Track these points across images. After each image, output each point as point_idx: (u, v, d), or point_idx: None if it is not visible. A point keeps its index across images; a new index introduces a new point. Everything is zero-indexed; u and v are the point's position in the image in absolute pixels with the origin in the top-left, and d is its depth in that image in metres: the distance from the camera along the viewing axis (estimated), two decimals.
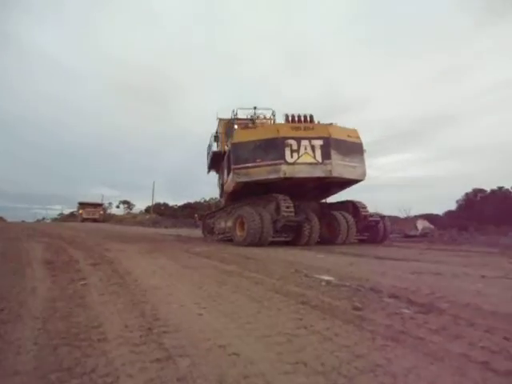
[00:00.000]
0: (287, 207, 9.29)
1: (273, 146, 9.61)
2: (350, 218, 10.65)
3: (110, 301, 3.23)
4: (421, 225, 13.75)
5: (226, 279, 4.19)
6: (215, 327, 2.49)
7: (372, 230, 11.43)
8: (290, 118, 10.00)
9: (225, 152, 11.77)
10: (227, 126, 12.56)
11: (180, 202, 61.75)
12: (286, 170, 9.39)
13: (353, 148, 10.44)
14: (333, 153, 9.84)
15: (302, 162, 9.61)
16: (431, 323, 2.55)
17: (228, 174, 10.56)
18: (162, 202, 62.02)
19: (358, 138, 10.68)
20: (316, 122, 10.24)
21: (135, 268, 4.96)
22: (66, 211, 61.15)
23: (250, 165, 9.61)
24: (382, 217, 11.63)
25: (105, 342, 2.23)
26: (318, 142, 9.82)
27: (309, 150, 9.70)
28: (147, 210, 57.09)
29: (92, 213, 42.94)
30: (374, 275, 4.62)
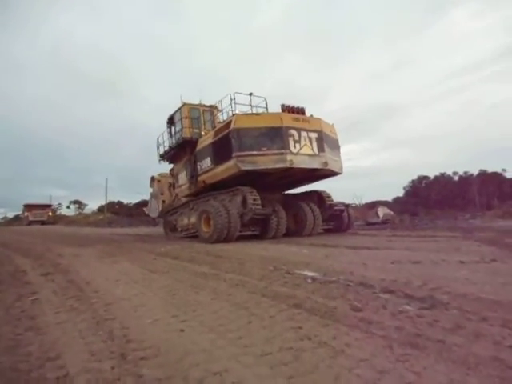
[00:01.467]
0: (254, 200, 8.95)
1: (277, 135, 9.15)
2: (315, 208, 10.53)
3: (69, 320, 2.72)
4: (381, 212, 14.01)
5: (201, 283, 3.77)
6: (203, 346, 2.10)
7: (337, 219, 11.41)
8: (286, 109, 9.55)
9: (195, 139, 11.12)
10: (194, 111, 11.88)
11: (135, 200, 59.46)
12: (292, 160, 9.01)
13: (334, 142, 10.46)
14: (325, 146, 9.79)
15: (304, 152, 9.34)
16: (442, 321, 2.32)
17: (218, 162, 9.74)
18: (115, 200, 59.43)
19: (336, 133, 10.72)
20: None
21: (95, 276, 4.39)
22: (10, 214, 56.58)
23: (255, 152, 9.05)
24: (346, 205, 11.65)
25: (67, 381, 1.76)
26: (313, 135, 9.65)
27: (307, 141, 9.48)
28: (100, 209, 54.35)
29: (39, 215, 39.91)
30: (356, 267, 4.41)
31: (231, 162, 9.12)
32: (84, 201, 62.18)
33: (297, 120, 9.45)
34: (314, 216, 10.40)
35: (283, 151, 8.99)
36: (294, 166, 8.98)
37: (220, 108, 11.50)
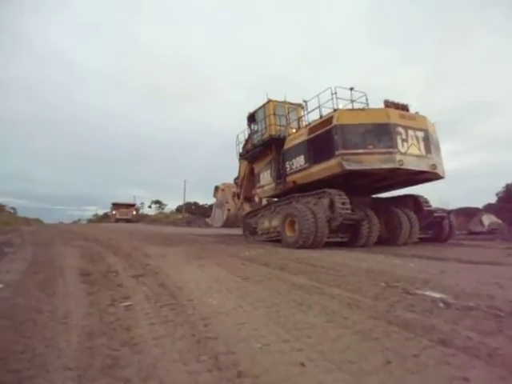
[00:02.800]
0: (343, 203, 8.21)
1: (384, 133, 8.40)
2: (412, 214, 9.43)
3: (166, 335, 2.35)
4: (487, 220, 12.17)
5: (304, 298, 3.22)
6: None
7: (436, 227, 10.12)
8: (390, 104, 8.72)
9: (282, 137, 10.62)
10: (279, 109, 11.38)
11: (210, 201, 61.44)
12: (402, 160, 8.21)
13: (437, 143, 9.35)
14: (431, 147, 8.83)
15: (411, 153, 8.49)
16: None
17: (315, 161, 9.05)
18: (192, 201, 61.96)
19: (437, 133, 9.58)
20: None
21: (185, 280, 4.09)
22: (100, 212, 62.06)
23: (361, 151, 8.36)
24: (448, 212, 10.30)
25: None
26: (420, 134, 8.75)
27: (414, 141, 8.61)
28: (178, 209, 57.09)
29: (125, 213, 43.01)
30: (491, 289, 3.53)
31: (333, 161, 8.44)
32: (163, 201, 65.86)
33: (403, 117, 8.52)
34: (411, 223, 9.31)
35: (391, 150, 8.13)
36: (403, 166, 8.06)
37: (304, 106, 10.96)
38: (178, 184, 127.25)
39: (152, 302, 3.19)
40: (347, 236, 8.97)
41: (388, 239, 9.33)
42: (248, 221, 12.31)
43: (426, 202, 9.96)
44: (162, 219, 41.15)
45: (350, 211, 8.20)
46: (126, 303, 3.13)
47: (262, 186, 11.79)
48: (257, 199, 14.58)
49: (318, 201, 8.79)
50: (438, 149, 9.14)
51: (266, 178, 11.48)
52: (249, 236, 12.14)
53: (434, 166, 8.62)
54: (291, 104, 11.58)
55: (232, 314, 2.77)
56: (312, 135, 9.15)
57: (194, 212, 53.60)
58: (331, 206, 8.39)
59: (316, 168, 8.98)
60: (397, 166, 8.02)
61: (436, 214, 9.77)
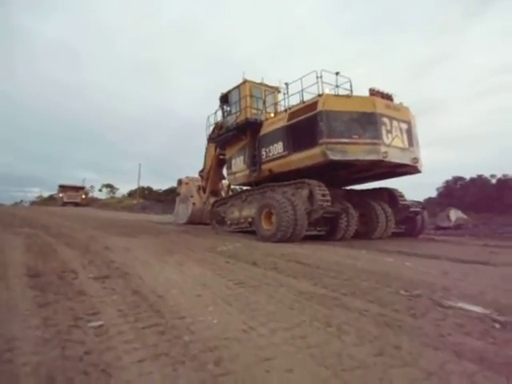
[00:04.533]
0: (323, 195, 7.69)
1: (370, 122, 7.86)
2: (387, 208, 9.18)
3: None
4: (454, 215, 12.36)
5: (326, 315, 2.58)
6: None
7: (409, 221, 9.98)
8: (375, 93, 8.11)
9: (259, 121, 9.84)
10: (255, 90, 10.53)
11: (164, 186, 59.52)
12: (386, 152, 7.75)
13: (417, 136, 8.94)
14: (413, 140, 8.51)
15: (395, 145, 8.06)
16: None
17: (295, 149, 8.39)
18: (145, 185, 59.63)
19: (416, 125, 9.22)
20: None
21: (166, 286, 3.31)
22: (45, 194, 57.74)
23: (346, 140, 7.77)
24: (423, 207, 10.20)
25: None
26: (404, 126, 8.37)
27: (398, 132, 8.19)
28: (131, 194, 54.67)
29: (74, 196, 40.13)
30: None
31: (317, 150, 7.82)
32: (115, 185, 62.92)
33: (388, 107, 8.11)
34: (387, 217, 9.06)
35: (376, 141, 7.69)
36: (386, 159, 7.65)
37: (281, 90, 10.31)
38: (131, 168, 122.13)
39: (130, 320, 2.41)
40: (324, 229, 8.53)
41: (363, 233, 9.02)
42: (216, 209, 11.51)
43: (401, 195, 9.76)
44: (114, 204, 39.00)
45: (330, 203, 7.73)
46: (96, 323, 2.32)
47: (234, 173, 10.97)
48: (223, 193, 13.80)
49: (296, 191, 8.22)
50: (418, 142, 8.88)
51: (238, 164, 10.67)
52: (216, 226, 11.37)
53: (415, 159, 8.37)
54: (268, 86, 10.82)
55: (245, 341, 2.08)
56: (293, 121, 8.50)
57: (148, 197, 51.78)
58: (310, 197, 7.86)
59: (296, 156, 8.37)
60: (381, 157, 7.64)
61: (412, 209, 9.61)
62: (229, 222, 10.63)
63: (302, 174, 8.41)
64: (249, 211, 9.61)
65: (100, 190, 61.90)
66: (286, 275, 3.89)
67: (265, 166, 9.38)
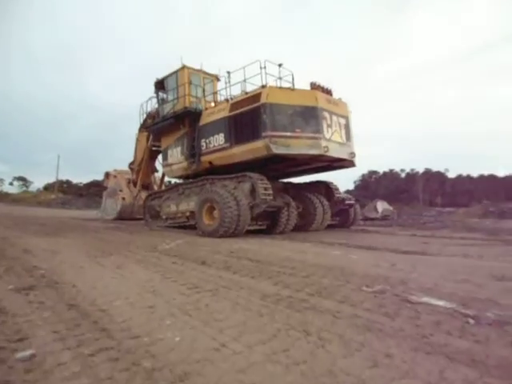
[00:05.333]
0: (265, 189, 7.55)
1: (312, 116, 7.75)
2: (325, 201, 9.38)
3: None
4: (381, 207, 13.12)
5: (300, 321, 2.36)
6: None
7: (343, 214, 10.32)
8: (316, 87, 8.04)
9: (199, 111, 9.31)
10: (194, 77, 9.91)
11: (84, 180, 55.63)
12: (326, 146, 7.68)
13: (352, 131, 9.07)
14: (351, 135, 8.64)
15: (335, 140, 8.07)
16: None
17: (237, 141, 8.05)
18: (64, 178, 55.10)
19: (351, 120, 9.35)
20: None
21: (108, 296, 2.84)
22: None
23: (289, 134, 7.54)
24: (356, 200, 10.61)
25: None
26: (342, 121, 8.47)
27: (337, 127, 8.22)
28: (47, 187, 50.05)
29: None
30: (474, 289, 3.23)
31: (260, 143, 7.58)
32: (29, 178, 57.21)
33: (329, 102, 8.18)
34: (324, 210, 9.25)
35: (318, 135, 7.69)
36: (327, 153, 7.69)
37: (220, 79, 9.93)
38: (47, 160, 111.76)
39: (71, 345, 1.94)
40: (265, 223, 8.42)
41: (301, 225, 9.11)
42: (150, 203, 10.79)
43: (337, 189, 10.05)
44: (28, 199, 35.21)
45: (272, 197, 7.62)
46: (25, 353, 1.83)
47: (170, 165, 10.34)
48: (155, 187, 13.02)
49: (238, 185, 7.96)
50: (353, 137, 9.16)
51: (175, 155, 10.06)
52: (149, 220, 10.67)
53: (352, 154, 8.61)
54: (207, 74, 10.31)
55: (220, 363, 1.76)
56: (235, 112, 8.17)
57: (67, 191, 48.05)
58: (252, 191, 7.67)
59: (238, 149, 8.09)
60: (322, 152, 7.70)
61: (347, 202, 9.93)
62: (164, 217, 10.04)
63: (242, 166, 8.18)
64: (187, 205, 9.14)
65: (11, 184, 56.03)
66: (242, 275, 3.62)
67: (204, 158, 8.96)
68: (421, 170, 73.54)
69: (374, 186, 74.12)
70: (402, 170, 78.98)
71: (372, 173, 78.26)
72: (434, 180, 71.59)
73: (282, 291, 3.03)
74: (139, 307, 2.60)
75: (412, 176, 77.83)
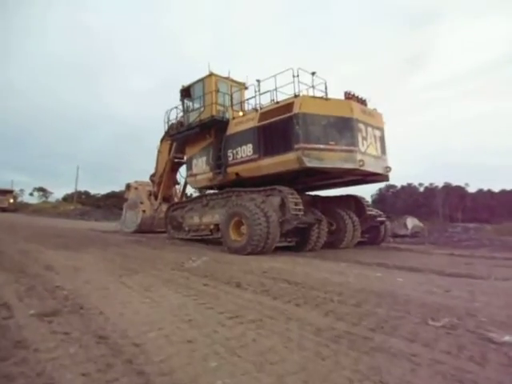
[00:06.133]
0: (296, 204, 7.17)
1: (347, 128, 7.36)
2: (355, 217, 8.90)
3: None
4: (411, 223, 12.52)
5: (375, 368, 1.95)
6: None
7: (373, 230, 9.80)
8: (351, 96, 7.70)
9: (226, 120, 8.98)
10: (222, 85, 9.61)
11: (102, 191, 56.38)
12: (362, 160, 7.27)
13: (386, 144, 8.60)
14: (385, 148, 8.21)
15: (370, 153, 7.66)
16: None
17: (266, 152, 7.67)
18: (82, 189, 55.94)
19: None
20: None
21: (139, 324, 2.50)
22: None
23: (322, 146, 7.15)
24: (388, 216, 10.10)
25: None
26: (377, 133, 8.04)
27: (373, 140, 7.82)
28: (66, 198, 50.83)
29: (0, 201, 36.22)
30: None
31: (291, 155, 7.21)
32: (49, 189, 58.33)
33: (364, 112, 7.79)
34: (354, 226, 8.77)
35: (353, 148, 7.29)
36: (362, 167, 7.29)
37: (248, 87, 9.69)
38: (66, 170, 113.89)
39: None
40: (294, 240, 7.99)
41: (330, 242, 8.63)
42: (172, 214, 10.51)
43: (369, 205, 9.58)
44: (48, 209, 35.68)
45: (303, 213, 7.23)
46: None
47: (195, 175, 10.02)
48: (176, 200, 12.77)
49: (267, 199, 7.59)
50: (387, 150, 8.74)
51: (200, 165, 9.74)
52: (171, 232, 10.40)
53: (388, 168, 8.19)
54: (235, 82, 10.02)
55: None
56: (264, 122, 7.84)
57: (85, 202, 48.69)
58: (282, 206, 7.30)
59: (267, 161, 7.74)
60: (357, 166, 7.29)
61: (378, 219, 9.43)
62: (187, 229, 9.74)
63: (270, 179, 7.86)
64: (211, 217, 8.83)
65: (31, 194, 57.19)
66: (285, 302, 3.22)
67: (231, 169, 8.62)
68: (440, 184, 71.86)
69: (391, 200, 72.75)
70: (421, 184, 77.41)
71: (389, 187, 76.91)
72: (453, 194, 69.79)
73: (336, 324, 2.63)
74: (177, 342, 2.24)
75: (431, 190, 76.19)
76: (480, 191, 74.23)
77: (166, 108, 11.00)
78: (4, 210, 34.73)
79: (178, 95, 10.46)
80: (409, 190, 79.80)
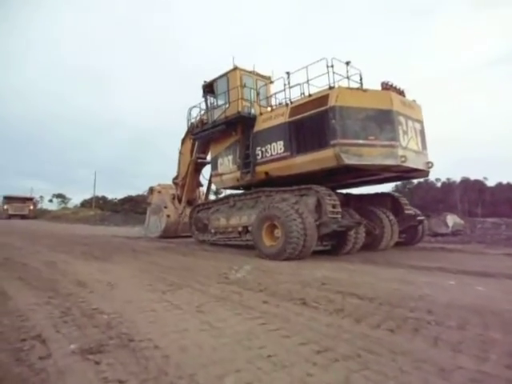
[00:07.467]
0: (334, 206, 6.59)
1: (386, 121, 6.75)
2: (392, 217, 8.27)
3: None
4: (451, 221, 11.71)
5: None
6: None
7: (411, 230, 9.13)
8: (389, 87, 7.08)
9: (253, 116, 8.49)
10: (247, 80, 9.09)
11: (118, 195, 56.72)
12: (404, 156, 6.70)
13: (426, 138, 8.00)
14: (426, 142, 7.60)
15: (411, 148, 7.06)
16: None
17: (300, 149, 7.14)
18: (100, 195, 56.30)
19: None
20: None
21: (207, 364, 1.98)
22: None
23: (361, 142, 6.57)
24: (427, 215, 9.43)
25: None
26: (417, 126, 7.43)
27: (413, 133, 7.22)
28: (84, 204, 51.17)
29: (20, 208, 36.28)
30: None
31: (328, 152, 6.65)
32: (67, 195, 58.95)
33: (404, 104, 7.19)
34: (392, 226, 8.14)
35: (394, 143, 6.70)
36: (404, 163, 6.69)
37: (274, 81, 9.14)
38: (83, 176, 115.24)
39: None
40: (330, 243, 7.41)
41: (368, 244, 8.01)
42: (197, 215, 10.04)
43: (407, 204, 8.93)
44: (68, 216, 35.75)
45: (340, 215, 6.65)
46: None
47: (220, 175, 9.53)
48: (200, 202, 12.31)
49: (300, 199, 7.04)
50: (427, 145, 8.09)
51: (226, 164, 9.25)
52: (196, 233, 9.96)
53: (430, 163, 7.55)
54: (260, 76, 9.47)
55: None
56: (296, 117, 7.28)
57: (103, 207, 48.96)
58: (317, 207, 6.74)
59: (300, 158, 7.18)
60: (399, 162, 6.68)
61: (418, 218, 8.76)
62: (213, 231, 9.27)
63: (302, 177, 7.31)
64: (238, 219, 8.33)
65: (50, 201, 57.87)
66: (373, 326, 2.64)
67: (260, 168, 8.09)
68: (457, 178, 70.18)
69: (408, 196, 71.39)
70: (438, 180, 75.82)
71: (406, 183, 75.64)
72: (472, 189, 68.07)
73: (459, 360, 2.05)
74: None
75: (448, 185, 74.54)
76: (499, 185, 72.36)
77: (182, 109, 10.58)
78: (24, 217, 34.97)
79: (200, 92, 9.95)
80: (426, 185, 78.32)
